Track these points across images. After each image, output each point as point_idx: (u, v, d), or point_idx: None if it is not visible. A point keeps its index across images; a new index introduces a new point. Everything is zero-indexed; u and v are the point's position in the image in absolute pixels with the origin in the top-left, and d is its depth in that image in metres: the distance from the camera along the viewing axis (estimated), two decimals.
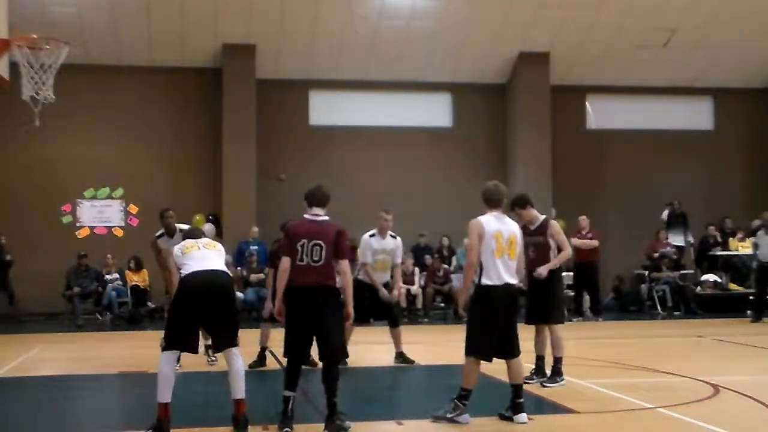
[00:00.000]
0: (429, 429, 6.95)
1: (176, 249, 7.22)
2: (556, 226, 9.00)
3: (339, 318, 6.98)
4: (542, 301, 8.90)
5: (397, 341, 10.76)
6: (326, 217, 7.13)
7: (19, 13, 15.20)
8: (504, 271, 7.10)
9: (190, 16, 18.47)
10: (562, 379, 8.79)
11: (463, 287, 7.53)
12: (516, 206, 8.87)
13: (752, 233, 18.15)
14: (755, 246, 17.03)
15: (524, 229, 8.84)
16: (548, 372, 8.94)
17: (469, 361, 7.12)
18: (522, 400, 7.11)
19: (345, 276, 6.99)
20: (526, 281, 9.11)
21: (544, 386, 8.66)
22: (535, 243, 8.88)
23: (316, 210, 7.12)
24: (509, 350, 7.17)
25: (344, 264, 6.99)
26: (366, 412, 7.69)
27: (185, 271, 6.87)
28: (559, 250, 8.93)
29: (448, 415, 7.02)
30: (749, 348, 12.45)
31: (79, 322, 16.65)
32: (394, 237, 10.61)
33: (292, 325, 6.97)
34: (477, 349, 7.09)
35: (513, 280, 7.21)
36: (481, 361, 7.17)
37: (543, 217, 9.06)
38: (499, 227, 7.17)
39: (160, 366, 6.73)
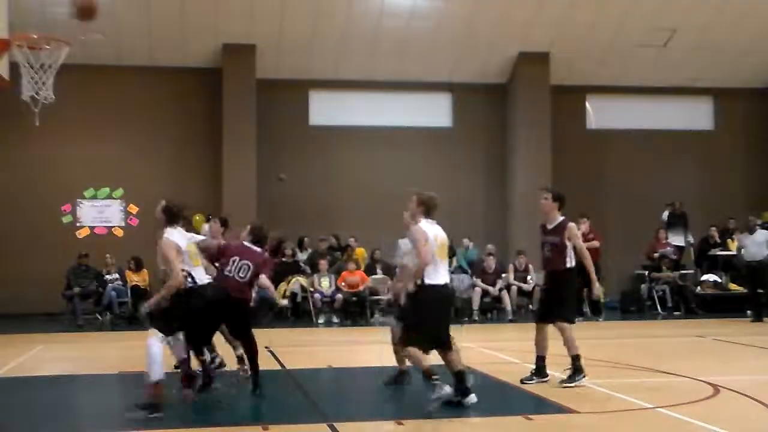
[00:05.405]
0: (429, 429, 6.96)
1: (185, 246, 7.55)
2: (573, 229, 8.87)
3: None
4: (553, 300, 8.86)
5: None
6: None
7: (19, 13, 15.18)
8: (443, 271, 7.70)
9: (190, 16, 18.47)
10: (583, 376, 8.63)
11: (403, 284, 8.12)
12: (555, 196, 8.92)
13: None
14: (738, 249, 17.31)
15: (542, 227, 8.95)
16: (553, 372, 8.90)
17: (412, 350, 7.53)
18: (466, 384, 7.55)
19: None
20: (544, 279, 9.08)
21: (565, 386, 8.51)
22: (552, 242, 8.85)
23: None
24: (446, 343, 7.69)
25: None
26: (366, 412, 7.69)
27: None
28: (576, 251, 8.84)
29: (434, 398, 7.26)
30: (749, 348, 12.45)
31: (79, 322, 16.62)
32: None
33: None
34: (418, 341, 7.51)
35: (448, 280, 7.80)
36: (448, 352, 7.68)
37: (562, 218, 8.93)
38: (435, 232, 7.83)
39: (149, 346, 6.99)
